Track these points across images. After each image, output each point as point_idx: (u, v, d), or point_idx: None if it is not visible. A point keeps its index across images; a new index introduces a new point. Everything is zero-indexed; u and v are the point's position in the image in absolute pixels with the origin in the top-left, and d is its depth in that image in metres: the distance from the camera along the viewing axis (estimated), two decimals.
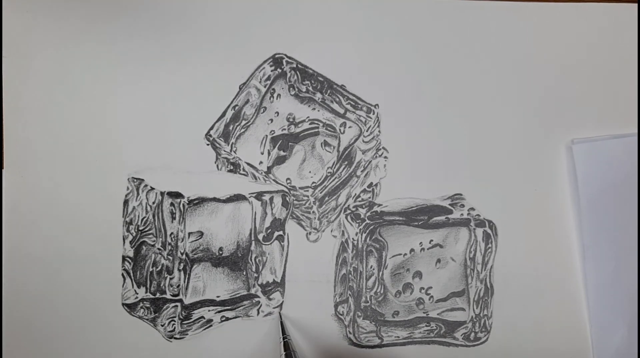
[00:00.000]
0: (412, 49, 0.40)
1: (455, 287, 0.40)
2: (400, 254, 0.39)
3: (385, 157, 0.40)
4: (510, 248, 0.40)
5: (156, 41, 0.40)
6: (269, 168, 0.40)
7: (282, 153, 0.40)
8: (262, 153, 0.40)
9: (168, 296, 0.39)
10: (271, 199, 0.39)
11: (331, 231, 0.40)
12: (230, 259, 0.39)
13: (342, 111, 0.40)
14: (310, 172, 0.40)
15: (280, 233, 0.40)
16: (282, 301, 0.40)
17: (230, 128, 0.40)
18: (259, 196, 0.39)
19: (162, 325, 0.39)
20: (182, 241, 0.38)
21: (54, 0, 0.39)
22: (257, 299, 0.40)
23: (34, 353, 0.39)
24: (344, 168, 0.40)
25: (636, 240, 0.40)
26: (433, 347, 0.40)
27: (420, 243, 0.40)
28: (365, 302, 0.40)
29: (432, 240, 0.40)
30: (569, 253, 0.40)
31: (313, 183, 0.40)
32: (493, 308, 0.40)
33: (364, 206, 0.40)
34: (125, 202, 0.40)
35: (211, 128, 0.40)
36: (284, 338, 0.38)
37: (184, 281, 0.39)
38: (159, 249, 0.39)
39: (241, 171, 0.40)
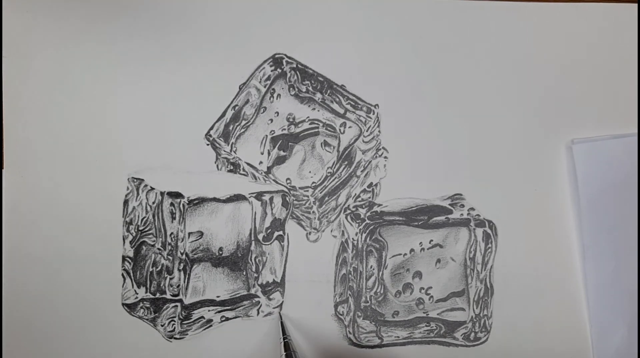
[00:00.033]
0: (412, 49, 0.40)
1: (455, 287, 0.40)
2: (400, 254, 0.39)
3: (385, 157, 0.40)
4: (510, 248, 0.40)
5: (156, 41, 0.40)
6: (269, 168, 0.40)
7: (282, 153, 0.40)
8: (262, 153, 0.40)
9: (168, 296, 0.39)
10: (271, 199, 0.39)
11: (331, 231, 0.40)
12: (230, 259, 0.39)
13: (342, 111, 0.40)
14: (310, 172, 0.40)
15: (280, 233, 0.40)
16: (282, 302, 0.40)
17: (230, 128, 0.40)
18: (259, 196, 0.39)
19: (162, 325, 0.39)
20: (182, 241, 0.38)
21: (54, 0, 0.39)
22: (257, 299, 0.40)
23: (34, 353, 0.39)
24: (344, 168, 0.40)
25: (636, 240, 0.40)
26: (433, 347, 0.40)
27: (420, 243, 0.40)
28: (365, 302, 0.40)
29: (432, 240, 0.40)
30: (569, 253, 0.40)
31: (313, 183, 0.40)
32: (493, 308, 0.40)
33: (364, 206, 0.40)
34: (125, 202, 0.40)
35: (211, 128, 0.40)
36: (284, 339, 0.38)
37: (184, 281, 0.39)
38: (159, 249, 0.39)
39: (241, 171, 0.40)
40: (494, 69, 0.40)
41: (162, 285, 0.39)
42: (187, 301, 0.39)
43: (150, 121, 0.40)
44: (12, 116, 0.39)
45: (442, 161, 0.40)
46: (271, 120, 0.40)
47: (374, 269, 0.39)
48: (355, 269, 0.39)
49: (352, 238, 0.39)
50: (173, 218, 0.38)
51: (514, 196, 0.40)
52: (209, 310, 0.39)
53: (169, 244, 0.38)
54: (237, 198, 0.39)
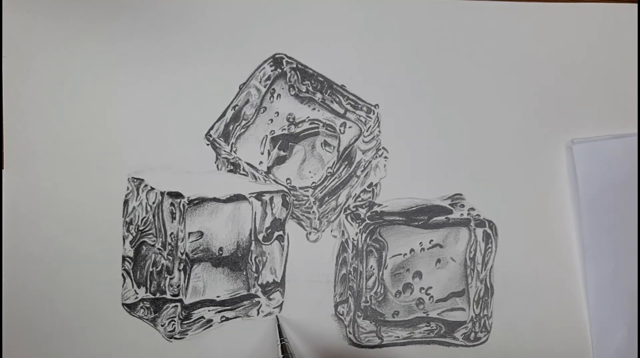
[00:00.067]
0: (412, 49, 0.40)
1: (455, 287, 0.40)
2: (400, 254, 0.39)
3: (385, 157, 0.40)
4: (510, 248, 0.40)
5: (156, 41, 0.40)
6: (269, 168, 0.40)
7: (282, 153, 0.40)
8: (262, 153, 0.40)
9: (168, 296, 0.39)
10: (271, 199, 0.39)
11: (331, 231, 0.40)
12: (230, 259, 0.39)
13: (342, 111, 0.40)
14: (310, 172, 0.40)
15: (280, 233, 0.40)
16: (282, 302, 0.40)
17: (230, 128, 0.40)
18: (259, 196, 0.39)
19: (162, 325, 0.39)
20: (182, 241, 0.38)
21: (54, 0, 0.39)
22: (257, 299, 0.40)
23: (34, 353, 0.39)
24: (344, 168, 0.40)
25: (636, 240, 0.40)
26: (433, 347, 0.40)
27: (420, 243, 0.40)
28: (365, 302, 0.40)
29: (432, 240, 0.40)
30: (569, 253, 0.40)
31: (313, 183, 0.40)
32: (493, 308, 0.40)
33: (364, 206, 0.40)
34: (125, 202, 0.40)
35: (211, 128, 0.40)
36: (281, 341, 0.38)
37: (184, 281, 0.39)
38: (159, 249, 0.39)
39: (241, 171, 0.40)
40: (494, 69, 0.40)
41: (162, 285, 0.39)
42: (187, 301, 0.39)
43: (150, 121, 0.40)
44: (12, 116, 0.39)
45: (442, 161, 0.40)
46: (271, 120, 0.40)
47: (374, 269, 0.39)
48: (355, 269, 0.39)
49: (352, 238, 0.39)
50: (173, 218, 0.38)
51: (514, 196, 0.40)
52: (209, 310, 0.39)
53: (169, 244, 0.38)
54: (237, 198, 0.39)
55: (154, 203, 0.39)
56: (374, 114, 0.40)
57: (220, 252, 0.39)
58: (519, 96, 0.40)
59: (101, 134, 0.40)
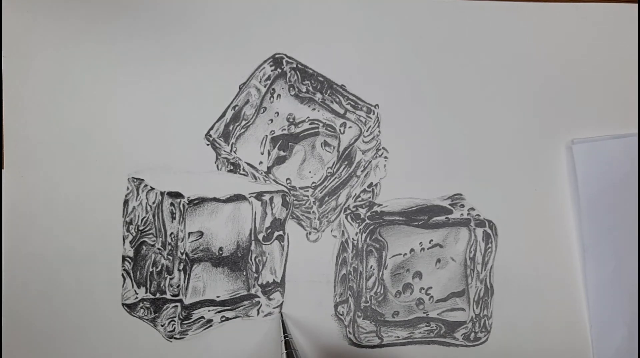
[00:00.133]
0: (412, 49, 0.40)
1: (455, 287, 0.40)
2: (400, 254, 0.39)
3: (385, 157, 0.40)
4: (510, 248, 0.40)
5: (156, 41, 0.40)
6: (269, 168, 0.40)
7: (282, 153, 0.40)
8: (262, 153, 0.40)
9: (168, 296, 0.39)
10: (271, 199, 0.39)
11: (331, 231, 0.40)
12: (230, 259, 0.39)
13: (342, 111, 0.40)
14: (310, 172, 0.40)
15: (280, 233, 0.40)
16: (282, 301, 0.40)
17: (230, 128, 0.40)
18: (259, 196, 0.39)
19: (162, 325, 0.39)
20: (182, 241, 0.38)
21: (54, 0, 0.39)
22: (257, 299, 0.40)
23: (34, 353, 0.39)
24: (344, 168, 0.40)
25: (636, 240, 0.40)
26: (433, 347, 0.40)
27: (420, 243, 0.40)
28: (365, 302, 0.40)
29: (432, 240, 0.40)
30: (569, 253, 0.40)
31: (313, 183, 0.40)
32: (493, 308, 0.40)
33: (364, 206, 0.40)
34: (125, 202, 0.40)
35: (211, 128, 0.40)
36: (285, 337, 0.38)
37: (184, 281, 0.39)
38: (159, 249, 0.39)
39: (241, 171, 0.40)
40: (494, 69, 0.40)
41: (162, 285, 0.39)
42: (187, 301, 0.39)
43: (150, 121, 0.40)
44: (12, 116, 0.39)
45: (442, 161, 0.40)
46: (271, 120, 0.40)
47: (374, 269, 0.39)
48: (355, 269, 0.39)
49: (352, 238, 0.39)
50: (173, 218, 0.38)
51: (514, 196, 0.40)
52: (209, 310, 0.39)
53: (169, 244, 0.38)
54: (237, 198, 0.39)
55: (154, 203, 0.39)
56: (374, 114, 0.40)
57: (220, 252, 0.39)
58: (519, 96, 0.40)
59: (101, 134, 0.40)
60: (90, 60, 0.40)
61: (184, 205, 0.38)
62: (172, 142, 0.40)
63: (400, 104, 0.40)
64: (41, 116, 0.40)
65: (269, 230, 0.40)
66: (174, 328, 0.39)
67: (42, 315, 0.39)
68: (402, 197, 0.40)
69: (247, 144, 0.40)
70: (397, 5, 0.40)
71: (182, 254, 0.38)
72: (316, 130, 0.40)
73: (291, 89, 0.40)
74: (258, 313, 0.40)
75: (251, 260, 0.40)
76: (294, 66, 0.40)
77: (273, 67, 0.40)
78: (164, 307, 0.39)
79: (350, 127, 0.40)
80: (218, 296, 0.39)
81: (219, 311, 0.40)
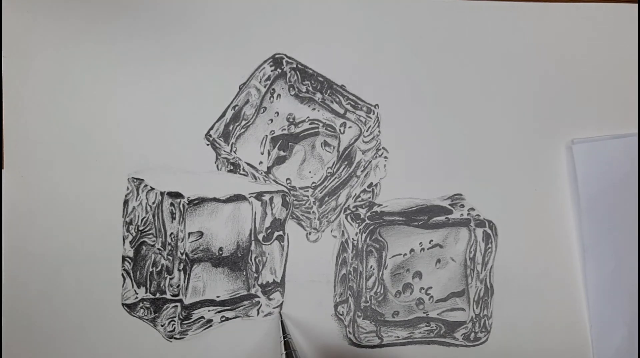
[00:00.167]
0: (412, 49, 0.40)
1: (455, 287, 0.40)
2: (400, 254, 0.39)
3: (385, 157, 0.40)
4: (510, 248, 0.40)
5: (156, 41, 0.40)
6: (269, 168, 0.40)
7: (282, 153, 0.40)
8: (262, 153, 0.40)
9: (168, 296, 0.39)
10: (271, 199, 0.39)
11: (331, 231, 0.40)
12: (230, 259, 0.39)
13: (342, 111, 0.40)
14: (310, 172, 0.40)
15: (280, 233, 0.40)
16: (282, 302, 0.40)
17: (230, 128, 0.40)
18: (259, 196, 0.39)
19: (162, 325, 0.39)
20: (182, 241, 0.38)
21: (54, 0, 0.39)
22: (257, 299, 0.40)
23: (34, 353, 0.39)
24: (344, 168, 0.40)
25: (636, 240, 0.40)
26: (433, 347, 0.40)
27: (420, 243, 0.40)
28: (365, 302, 0.40)
29: (432, 240, 0.40)
30: (569, 253, 0.40)
31: (313, 183, 0.40)
32: (493, 308, 0.40)
33: (364, 206, 0.40)
34: (125, 202, 0.40)
35: (211, 128, 0.40)
36: (284, 338, 0.38)
37: (184, 282, 0.39)
38: (159, 249, 0.39)
39: (241, 171, 0.40)
40: (494, 69, 0.40)
41: (162, 285, 0.39)
42: (187, 301, 0.39)
43: (150, 121, 0.40)
44: (12, 116, 0.39)
45: (442, 161, 0.40)
46: (271, 120, 0.40)
47: (374, 269, 0.39)
48: (355, 269, 0.39)
49: (352, 238, 0.39)
50: (173, 218, 0.38)
51: (514, 196, 0.40)
52: (209, 310, 0.39)
53: (169, 244, 0.38)
54: (237, 198, 0.39)
55: (153, 203, 0.39)
56: (374, 114, 0.40)
57: (220, 252, 0.39)
58: (519, 95, 0.40)
59: (101, 134, 0.40)
60: (90, 60, 0.40)
61: (184, 205, 0.38)
62: (172, 142, 0.40)
63: (400, 104, 0.40)
64: (41, 116, 0.40)
65: (269, 230, 0.40)
66: (174, 328, 0.39)
67: (42, 315, 0.39)
68: (402, 197, 0.40)
69: (247, 144, 0.40)
70: (397, 5, 0.40)
71: (182, 254, 0.38)
72: (316, 130, 0.40)
73: (291, 89, 0.40)
74: (258, 313, 0.40)
75: (251, 260, 0.40)
76: (294, 66, 0.40)
77: (273, 67, 0.40)
78: (164, 307, 0.39)
79: (350, 127, 0.40)
80: (218, 297, 0.39)
81: (219, 312, 0.40)
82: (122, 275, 0.40)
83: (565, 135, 0.40)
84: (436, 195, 0.40)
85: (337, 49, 0.40)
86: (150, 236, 0.39)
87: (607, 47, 0.41)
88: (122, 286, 0.40)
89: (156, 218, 0.39)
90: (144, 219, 0.39)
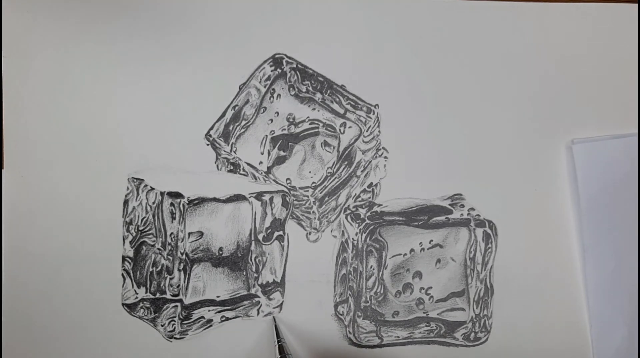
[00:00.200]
0: (412, 49, 0.40)
1: (455, 287, 0.40)
2: (400, 254, 0.39)
3: (385, 157, 0.40)
4: (510, 248, 0.40)
5: (156, 41, 0.40)
6: (269, 168, 0.40)
7: (282, 153, 0.40)
8: (262, 153, 0.40)
9: (168, 296, 0.39)
10: (271, 199, 0.39)
11: (331, 231, 0.40)
12: (230, 259, 0.39)
13: (342, 111, 0.40)
14: (310, 172, 0.40)
15: (280, 233, 0.40)
16: (282, 301, 0.40)
17: (230, 128, 0.40)
18: (259, 196, 0.39)
19: (162, 325, 0.39)
20: (182, 241, 0.38)
21: (54, 0, 0.39)
22: (257, 299, 0.40)
23: (34, 353, 0.39)
24: (344, 168, 0.40)
25: (636, 240, 0.40)
26: (433, 347, 0.40)
27: (420, 243, 0.40)
28: (365, 302, 0.40)
29: (432, 240, 0.40)
30: (569, 253, 0.40)
31: (313, 183, 0.40)
32: (493, 308, 0.40)
33: (364, 206, 0.40)
34: (125, 202, 0.40)
35: (211, 128, 0.40)
36: (278, 342, 0.38)
37: (184, 281, 0.39)
38: (159, 249, 0.39)
39: (241, 171, 0.40)
40: (494, 69, 0.40)
41: (162, 285, 0.39)
42: (187, 301, 0.39)
43: (150, 121, 0.40)
44: (12, 116, 0.39)
45: (442, 161, 0.40)
46: (271, 120, 0.40)
47: (374, 269, 0.39)
48: (355, 269, 0.39)
49: (352, 238, 0.39)
50: (173, 218, 0.38)
51: (514, 196, 0.40)
52: (209, 310, 0.39)
53: (169, 244, 0.38)
54: (237, 198, 0.39)
55: (154, 203, 0.39)
56: (374, 114, 0.40)
57: (220, 252, 0.39)
58: (519, 95, 0.40)
59: (101, 134, 0.40)
60: (90, 60, 0.40)
61: (184, 205, 0.38)
62: (172, 142, 0.40)
63: (400, 104, 0.40)
64: (41, 116, 0.40)
65: (269, 230, 0.40)
66: (174, 328, 0.39)
67: (42, 315, 0.39)
68: (402, 197, 0.40)
69: (247, 144, 0.40)
70: (397, 5, 0.40)
71: (182, 254, 0.38)
72: (316, 130, 0.40)
73: (291, 89, 0.40)
74: (258, 313, 0.40)
75: (251, 260, 0.40)
76: (294, 66, 0.40)
77: (273, 67, 0.40)
78: (164, 307, 0.39)
79: (350, 127, 0.40)
80: (218, 296, 0.39)
81: (219, 312, 0.40)
82: (122, 275, 0.40)
83: (565, 135, 0.40)
84: (436, 195, 0.40)
85: (337, 49, 0.40)
86: (150, 236, 0.39)
87: (607, 47, 0.41)
88: (122, 286, 0.40)
89: (156, 218, 0.39)
90: (144, 219, 0.39)
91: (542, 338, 0.40)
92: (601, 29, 0.41)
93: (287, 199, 0.40)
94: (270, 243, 0.40)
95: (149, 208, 0.39)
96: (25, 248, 0.39)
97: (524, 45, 0.40)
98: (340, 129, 0.40)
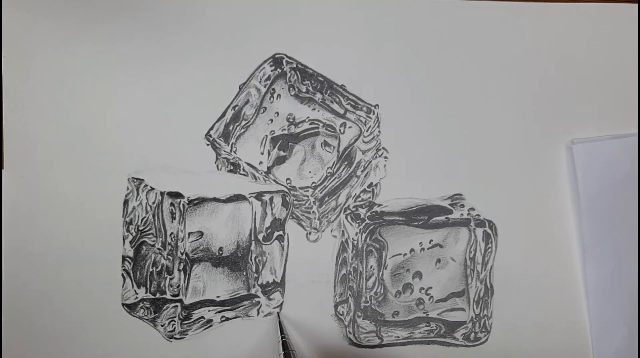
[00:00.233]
0: (412, 49, 0.40)
1: (455, 287, 0.40)
2: (400, 254, 0.39)
3: (385, 157, 0.40)
4: (510, 248, 0.40)
5: (156, 41, 0.40)
6: (269, 168, 0.40)
7: (282, 153, 0.40)
8: (262, 153, 0.40)
9: (168, 296, 0.39)
10: (271, 199, 0.39)
11: (331, 231, 0.40)
12: (230, 259, 0.39)
13: (342, 111, 0.40)
14: (310, 172, 0.40)
15: (280, 233, 0.40)
16: (282, 301, 0.40)
17: (230, 128, 0.40)
18: (259, 196, 0.39)
19: (162, 325, 0.39)
20: (182, 241, 0.38)
21: (54, 0, 0.39)
22: (257, 299, 0.40)
23: (34, 353, 0.39)
24: (344, 168, 0.40)
25: (636, 240, 0.40)
26: (433, 347, 0.40)
27: (420, 243, 0.40)
28: (365, 302, 0.40)
29: (432, 240, 0.40)
30: (569, 253, 0.40)
31: (313, 183, 0.40)
32: (493, 308, 0.40)
33: (364, 206, 0.40)
34: (125, 202, 0.40)
35: (211, 128, 0.40)
36: (282, 338, 0.38)
37: (184, 281, 0.39)
38: (159, 249, 0.39)
39: (241, 171, 0.40)
40: (494, 69, 0.40)
41: (162, 285, 0.39)
42: (187, 301, 0.39)
43: (150, 121, 0.40)
44: (12, 116, 0.39)
45: (442, 161, 0.40)
46: (271, 120, 0.40)
47: (374, 269, 0.39)
48: (355, 269, 0.39)
49: (352, 238, 0.39)
50: (173, 218, 0.38)
51: (514, 196, 0.40)
52: (209, 310, 0.39)
53: (169, 244, 0.38)
54: (237, 198, 0.39)
55: (154, 203, 0.39)
56: (374, 114, 0.40)
57: (220, 252, 0.39)
58: (519, 95, 0.40)
59: (101, 134, 0.40)
60: (90, 60, 0.40)
61: (184, 205, 0.38)
62: (172, 142, 0.40)
63: (400, 104, 0.40)
64: (41, 116, 0.40)
65: (269, 230, 0.40)
66: (174, 328, 0.39)
67: (42, 315, 0.39)
68: (402, 197, 0.40)
69: (247, 144, 0.40)
70: (397, 5, 0.40)
71: (182, 254, 0.38)
72: (316, 130, 0.40)
73: (291, 89, 0.40)
74: (258, 313, 0.40)
75: (251, 260, 0.40)
76: (294, 66, 0.40)
77: (273, 67, 0.40)
78: (164, 307, 0.39)
79: (350, 127, 0.40)
80: (218, 296, 0.39)
81: (219, 312, 0.40)
82: (122, 275, 0.40)
83: (565, 135, 0.40)
84: (436, 195, 0.40)
85: (337, 49, 0.40)
86: (150, 236, 0.39)
87: (607, 47, 0.41)
88: (122, 286, 0.40)
89: (156, 218, 0.39)
90: (144, 219, 0.39)
91: (542, 338, 0.40)
92: (601, 29, 0.41)
93: (287, 199, 0.40)
94: (270, 243, 0.40)
95: (149, 208, 0.39)
96: (25, 248, 0.39)
97: (524, 45, 0.41)
98: (340, 129, 0.40)
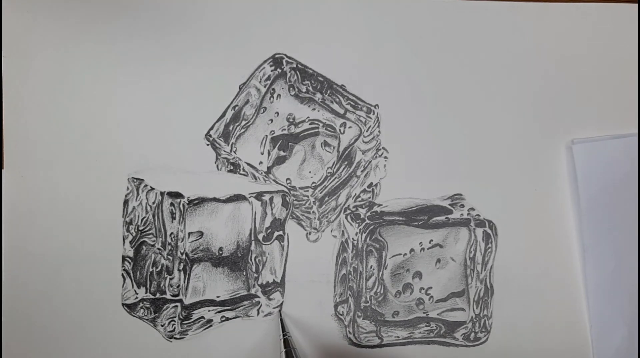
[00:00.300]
0: (412, 49, 0.40)
1: (455, 287, 0.40)
2: (400, 254, 0.39)
3: (385, 157, 0.40)
4: (510, 248, 0.40)
5: (156, 41, 0.40)
6: (269, 168, 0.40)
7: (282, 153, 0.40)
8: (262, 153, 0.40)
9: (168, 296, 0.39)
10: (271, 199, 0.39)
11: (331, 231, 0.40)
12: (230, 259, 0.39)
13: (342, 111, 0.40)
14: (310, 172, 0.40)
15: (280, 233, 0.40)
16: (282, 301, 0.40)
17: (230, 128, 0.40)
18: (259, 196, 0.39)
19: (162, 325, 0.39)
20: (182, 241, 0.38)
21: (54, 0, 0.39)
22: (257, 299, 0.40)
23: (34, 353, 0.39)
24: (344, 168, 0.40)
25: (636, 240, 0.40)
26: (433, 347, 0.40)
27: (420, 243, 0.40)
28: (365, 302, 0.40)
29: (432, 240, 0.40)
30: (569, 253, 0.40)
31: (313, 183, 0.40)
32: (493, 308, 0.40)
33: (364, 206, 0.40)
34: (125, 202, 0.40)
35: (211, 128, 0.40)
36: (284, 335, 0.38)
37: (184, 281, 0.39)
38: (159, 249, 0.39)
39: (241, 171, 0.40)
40: (494, 69, 0.40)
41: (162, 285, 0.39)
42: (187, 301, 0.39)
43: (150, 121, 0.40)
44: (12, 116, 0.39)
45: (441, 161, 0.40)
46: (271, 120, 0.40)
47: (374, 269, 0.39)
48: (355, 269, 0.39)
49: (352, 238, 0.39)
50: (173, 218, 0.38)
51: (514, 196, 0.40)
52: (209, 310, 0.39)
53: (169, 244, 0.38)
54: (237, 198, 0.39)
55: (153, 203, 0.39)
56: (374, 114, 0.40)
57: (220, 252, 0.39)
58: (519, 96, 0.40)
59: (101, 134, 0.40)
60: (90, 60, 0.40)
61: (184, 205, 0.38)
62: (172, 142, 0.40)
63: (400, 104, 0.40)
64: (41, 116, 0.40)
65: (269, 230, 0.40)
66: (174, 328, 0.39)
67: (42, 315, 0.39)
68: (402, 197, 0.40)
69: (247, 144, 0.40)
70: (397, 5, 0.40)
71: (182, 254, 0.38)
72: (316, 130, 0.40)
73: (291, 89, 0.40)
74: (258, 313, 0.40)
75: (251, 260, 0.40)
76: (294, 66, 0.40)
77: (273, 67, 0.40)
78: (164, 307, 0.39)
79: (350, 127, 0.40)
80: (218, 296, 0.39)
81: (219, 312, 0.40)
82: (122, 275, 0.40)
83: (565, 135, 0.40)
84: (436, 195, 0.40)
85: (337, 49, 0.40)
86: (150, 236, 0.39)
87: (607, 47, 0.41)
88: (122, 286, 0.40)
89: (156, 218, 0.39)
90: (144, 219, 0.39)
91: (542, 338, 0.40)
92: (601, 29, 0.41)
93: (287, 199, 0.40)
94: (270, 243, 0.40)
95: (149, 208, 0.39)
96: (25, 248, 0.39)
97: (524, 45, 0.41)
98: (340, 129, 0.40)
